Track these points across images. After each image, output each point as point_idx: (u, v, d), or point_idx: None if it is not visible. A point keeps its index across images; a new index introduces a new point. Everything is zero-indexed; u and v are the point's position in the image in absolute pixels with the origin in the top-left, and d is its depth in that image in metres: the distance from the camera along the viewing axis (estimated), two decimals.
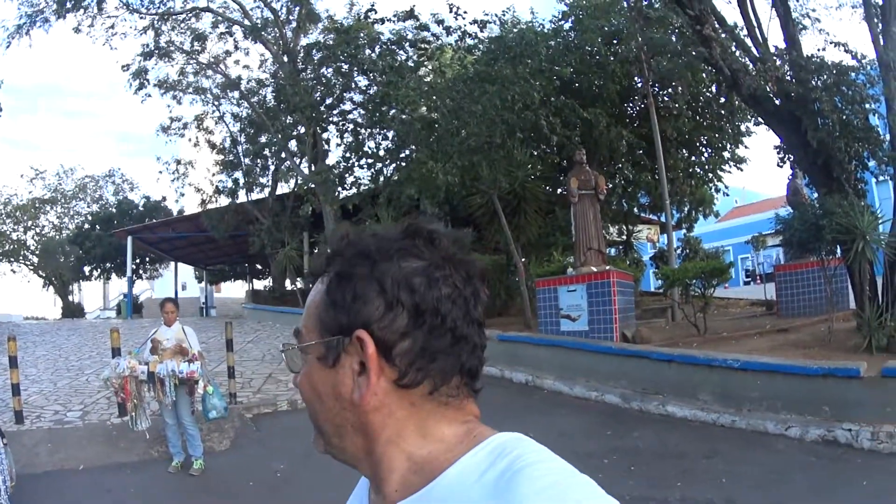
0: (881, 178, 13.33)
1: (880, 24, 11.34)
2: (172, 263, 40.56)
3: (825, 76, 11.89)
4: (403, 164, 20.20)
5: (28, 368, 15.60)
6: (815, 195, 13.15)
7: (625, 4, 18.65)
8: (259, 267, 41.91)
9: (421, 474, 1.03)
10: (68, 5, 23.09)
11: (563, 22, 20.30)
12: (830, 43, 12.92)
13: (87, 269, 43.90)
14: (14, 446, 7.66)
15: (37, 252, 46.98)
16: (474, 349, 1.08)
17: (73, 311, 43.02)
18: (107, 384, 9.33)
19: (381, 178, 21.74)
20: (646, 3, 17.30)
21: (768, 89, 12.11)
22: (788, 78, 12.14)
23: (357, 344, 1.03)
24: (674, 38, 16.92)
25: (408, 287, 1.03)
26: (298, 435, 10.75)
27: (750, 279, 35.09)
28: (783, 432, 8.82)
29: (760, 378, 9.74)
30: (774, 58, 12.61)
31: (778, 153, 14.07)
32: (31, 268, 47.42)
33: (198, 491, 8.54)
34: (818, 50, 13.44)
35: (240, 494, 8.47)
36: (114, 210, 44.20)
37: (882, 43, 11.21)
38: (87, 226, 44.27)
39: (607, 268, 14.08)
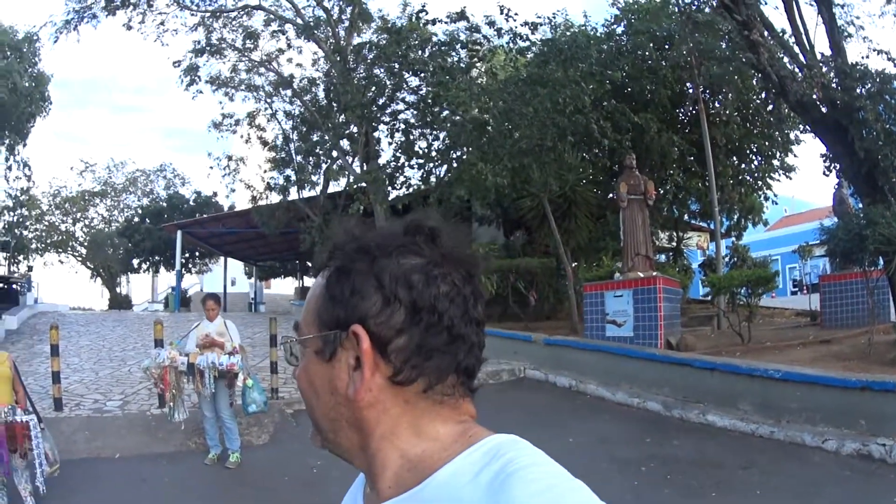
0: None
1: None
2: (222, 258, 40.71)
3: (869, 84, 11.83)
4: (455, 165, 20.26)
5: (71, 358, 15.86)
6: (860, 205, 13.09)
7: (675, 9, 18.63)
8: (309, 264, 41.52)
9: (415, 472, 1.03)
10: (116, 2, 23.40)
11: (615, 26, 20.24)
12: (874, 51, 12.87)
13: (135, 261, 44.30)
14: (52, 433, 7.88)
15: (85, 244, 47.68)
16: (472, 348, 1.08)
17: (120, 303, 43.62)
18: (146, 373, 9.68)
19: (432, 179, 21.86)
20: (694, 7, 17.24)
21: (814, 96, 12.05)
22: (834, 85, 12.11)
23: (353, 339, 1.03)
24: (723, 44, 16.86)
25: (406, 284, 1.03)
26: None
27: (797, 289, 34.72)
28: (820, 445, 8.76)
29: (800, 389, 9.71)
30: (821, 64, 12.57)
31: (824, 161, 14.00)
32: (80, 259, 48.19)
33: (234, 483, 8.71)
34: (862, 58, 13.27)
35: (275, 489, 8.61)
36: (164, 204, 44.68)
37: None
38: (136, 219, 44.84)
39: (654, 274, 14.09)
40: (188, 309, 33.18)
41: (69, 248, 47.58)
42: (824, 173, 14.09)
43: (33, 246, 45.16)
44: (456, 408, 1.08)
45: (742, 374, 10.61)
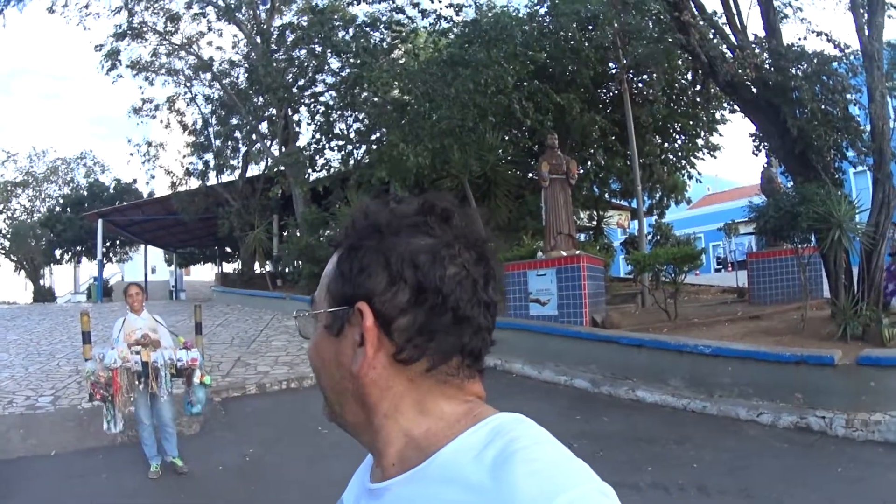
0: (859, 168, 13.21)
1: (866, 14, 11.21)
2: (142, 247, 40.18)
3: (805, 65, 11.81)
4: (374, 146, 19.98)
5: (0, 354, 15.62)
6: (790, 184, 13.09)
7: None
8: (228, 250, 41.50)
9: (418, 450, 1.01)
10: None
11: (538, 7, 20.03)
12: (812, 32, 12.82)
13: (58, 252, 43.60)
14: None
15: (8, 236, 46.34)
16: (478, 330, 1.05)
17: (44, 295, 42.68)
18: (89, 379, 8.14)
19: (352, 161, 21.51)
20: None
21: (746, 77, 11.99)
22: (767, 66, 12.03)
23: (358, 315, 1.02)
24: (650, 24, 16.80)
25: (412, 264, 1.01)
26: (267, 419, 10.64)
27: (721, 267, 35.31)
28: (755, 419, 8.75)
29: (732, 364, 9.65)
30: (753, 46, 12.51)
31: (753, 141, 14.04)
32: (3, 252, 46.87)
33: (167, 474, 8.33)
34: (799, 39, 13.40)
35: (209, 478, 8.34)
36: (85, 193, 43.88)
37: (867, 33, 11.06)
38: (58, 209, 43.94)
39: (577, 252, 13.90)
40: (110, 299, 32.62)
41: None
42: (754, 153, 14.16)
43: None
44: (461, 388, 1.07)
45: (671, 349, 10.53)
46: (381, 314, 1.01)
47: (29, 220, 46.62)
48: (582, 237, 22.60)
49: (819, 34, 12.61)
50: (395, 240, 1.03)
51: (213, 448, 9.35)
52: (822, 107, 11.61)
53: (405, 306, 1.00)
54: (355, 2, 21.36)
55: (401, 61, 19.89)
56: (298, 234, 24.65)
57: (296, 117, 24.37)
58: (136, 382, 8.07)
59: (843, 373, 8.62)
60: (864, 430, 7.89)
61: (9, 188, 46.41)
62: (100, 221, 31.43)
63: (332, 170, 22.21)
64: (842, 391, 8.54)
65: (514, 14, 19.25)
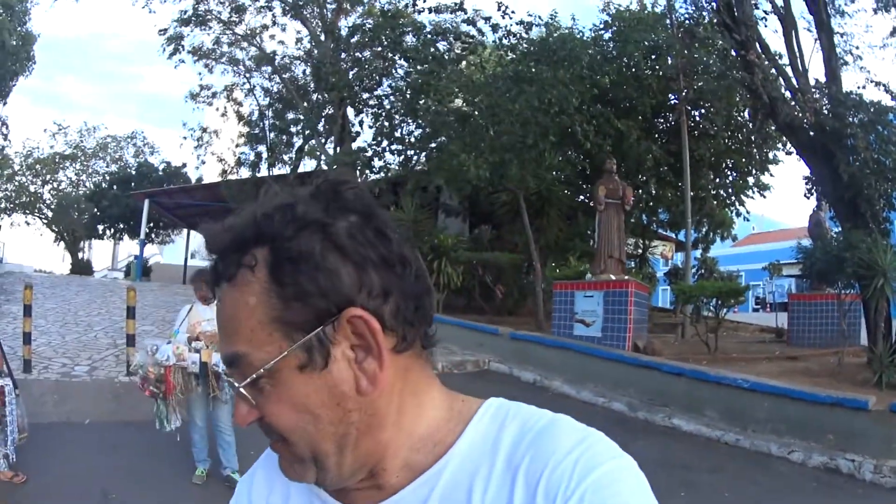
0: None
1: None
2: (185, 231, 39.96)
3: (862, 114, 11.86)
4: (435, 153, 20.07)
5: (37, 319, 15.62)
6: (838, 229, 13.18)
7: (667, 22, 18.66)
8: None
9: (424, 452, 0.96)
10: None
11: (603, 31, 20.24)
12: (871, 81, 12.91)
13: (100, 227, 43.80)
14: (23, 395, 7.58)
15: (52, 206, 46.83)
16: (429, 291, 1.00)
17: (81, 268, 42.91)
18: (140, 372, 7.50)
19: (410, 166, 21.67)
20: (692, 22, 17.26)
21: (805, 120, 12.06)
22: (826, 111, 12.13)
23: (346, 328, 0.89)
24: (715, 60, 16.86)
25: (366, 241, 0.91)
26: None
27: (760, 307, 34.95)
28: (786, 455, 8.83)
29: (768, 400, 9.76)
30: (814, 90, 12.61)
31: (806, 184, 14.04)
32: (45, 222, 47.26)
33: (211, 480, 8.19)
34: (858, 87, 13.39)
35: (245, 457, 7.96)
36: (133, 172, 44.14)
37: None
38: (104, 185, 44.24)
39: (626, 277, 14.09)
40: (148, 279, 32.77)
41: (36, 210, 46.73)
42: (805, 195, 14.11)
43: (1, 206, 44.72)
44: (428, 361, 1.02)
45: (710, 381, 10.61)
46: (372, 311, 0.90)
47: (74, 193, 47.03)
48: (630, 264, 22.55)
49: (878, 84, 12.67)
50: (333, 227, 0.91)
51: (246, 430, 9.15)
52: (876, 156, 11.65)
53: (383, 289, 0.91)
54: (420, 10, 21.58)
55: (465, 73, 19.99)
56: None
57: (358, 118, 24.43)
58: (194, 383, 7.30)
59: (876, 418, 8.71)
60: (893, 476, 7.93)
61: (57, 160, 46.71)
62: (146, 201, 31.58)
63: (390, 172, 22.32)
64: (873, 436, 8.60)
65: (579, 37, 19.35)
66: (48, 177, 46.94)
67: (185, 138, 31.45)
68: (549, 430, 0.93)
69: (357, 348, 0.90)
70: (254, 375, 0.89)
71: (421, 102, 19.32)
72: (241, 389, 0.91)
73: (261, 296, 0.89)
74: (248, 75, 28.83)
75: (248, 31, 27.55)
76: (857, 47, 13.76)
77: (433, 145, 20.34)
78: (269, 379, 0.89)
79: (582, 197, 21.74)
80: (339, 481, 0.95)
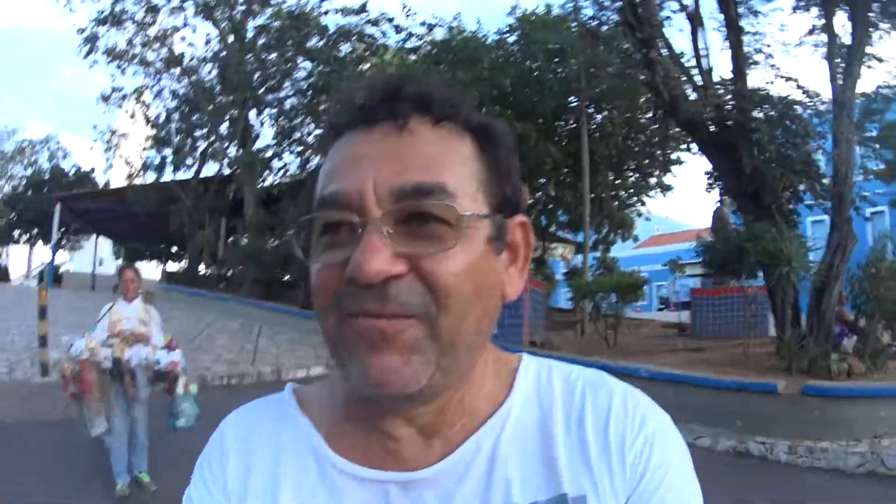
0: (815, 210, 13.30)
1: (842, 64, 11.47)
2: (93, 237, 39.42)
3: (768, 108, 11.95)
4: None
5: None
6: (741, 222, 13.12)
7: (572, 24, 18.76)
8: (175, 249, 40.99)
9: (488, 397, 0.87)
10: None
11: (507, 34, 20.14)
12: (780, 77, 13.03)
13: (16, 232, 42.97)
14: None
15: None
16: None
17: None
18: (56, 369, 7.31)
19: (309, 168, 21.47)
20: (596, 23, 17.39)
21: (706, 116, 12.11)
22: (729, 107, 12.14)
23: (517, 230, 0.84)
24: (617, 59, 17.03)
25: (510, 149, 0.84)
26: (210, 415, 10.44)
27: (664, 306, 35.29)
28: (692, 442, 8.53)
29: (670, 389, 9.58)
30: (718, 87, 12.60)
31: (708, 179, 14.14)
32: None
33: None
34: (767, 83, 13.53)
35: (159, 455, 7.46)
36: (46, 176, 43.35)
37: (840, 82, 11.21)
38: (21, 188, 43.47)
39: None
40: (59, 286, 32.06)
41: None
42: (707, 189, 14.34)
43: None
44: None
45: (609, 371, 10.53)
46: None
47: None
48: None
49: (788, 79, 12.83)
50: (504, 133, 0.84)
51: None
52: (782, 150, 11.68)
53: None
54: (333, 10, 21.55)
55: (367, 74, 19.97)
56: (246, 237, 24.47)
57: (259, 119, 24.35)
58: (109, 382, 6.51)
59: (787, 402, 8.77)
60: (809, 456, 8.00)
61: None
62: (58, 206, 30.63)
63: (288, 174, 22.20)
64: (786, 419, 8.65)
65: (482, 40, 19.45)
66: None
67: (95, 140, 30.95)
68: (597, 382, 0.91)
69: (509, 252, 0.84)
70: (465, 213, 0.75)
71: (321, 101, 19.24)
72: (468, 216, 0.76)
73: (473, 152, 0.80)
74: (157, 77, 28.48)
75: (161, 32, 27.25)
76: (769, 45, 13.95)
77: None
78: (461, 227, 0.75)
79: None
80: (445, 383, 0.78)
